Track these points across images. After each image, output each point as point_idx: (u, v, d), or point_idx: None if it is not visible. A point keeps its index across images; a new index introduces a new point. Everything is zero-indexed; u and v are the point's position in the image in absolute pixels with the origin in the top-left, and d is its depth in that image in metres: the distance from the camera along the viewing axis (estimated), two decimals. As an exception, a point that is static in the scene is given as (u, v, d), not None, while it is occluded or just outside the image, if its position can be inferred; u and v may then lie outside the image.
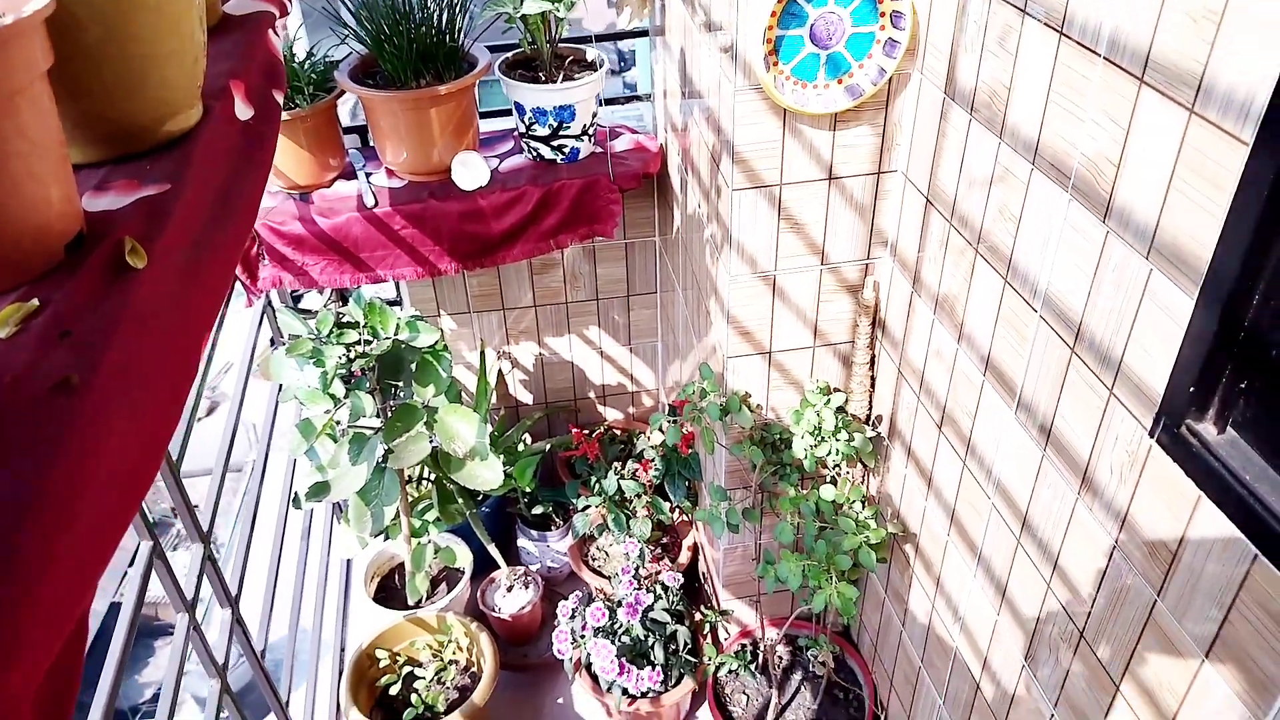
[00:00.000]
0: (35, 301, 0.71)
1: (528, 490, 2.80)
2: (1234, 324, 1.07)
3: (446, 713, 2.34)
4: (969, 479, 1.71)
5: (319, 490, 2.22)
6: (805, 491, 2.06)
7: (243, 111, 1.17)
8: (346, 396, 2.16)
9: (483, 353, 2.81)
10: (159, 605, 6.74)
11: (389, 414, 2.22)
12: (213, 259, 0.99)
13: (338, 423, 2.24)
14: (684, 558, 2.72)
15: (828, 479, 2.12)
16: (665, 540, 2.83)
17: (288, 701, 2.17)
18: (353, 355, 2.12)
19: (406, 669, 2.46)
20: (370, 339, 2.13)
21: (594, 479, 2.71)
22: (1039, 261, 1.39)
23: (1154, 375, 1.18)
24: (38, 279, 0.74)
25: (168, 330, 0.83)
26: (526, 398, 3.12)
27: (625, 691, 2.36)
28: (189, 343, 0.91)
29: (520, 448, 2.84)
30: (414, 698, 2.36)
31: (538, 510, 2.88)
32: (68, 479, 0.61)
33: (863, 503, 1.99)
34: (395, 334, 2.14)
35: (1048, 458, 1.45)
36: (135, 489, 0.74)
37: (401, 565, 2.81)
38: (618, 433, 3.06)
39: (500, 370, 3.02)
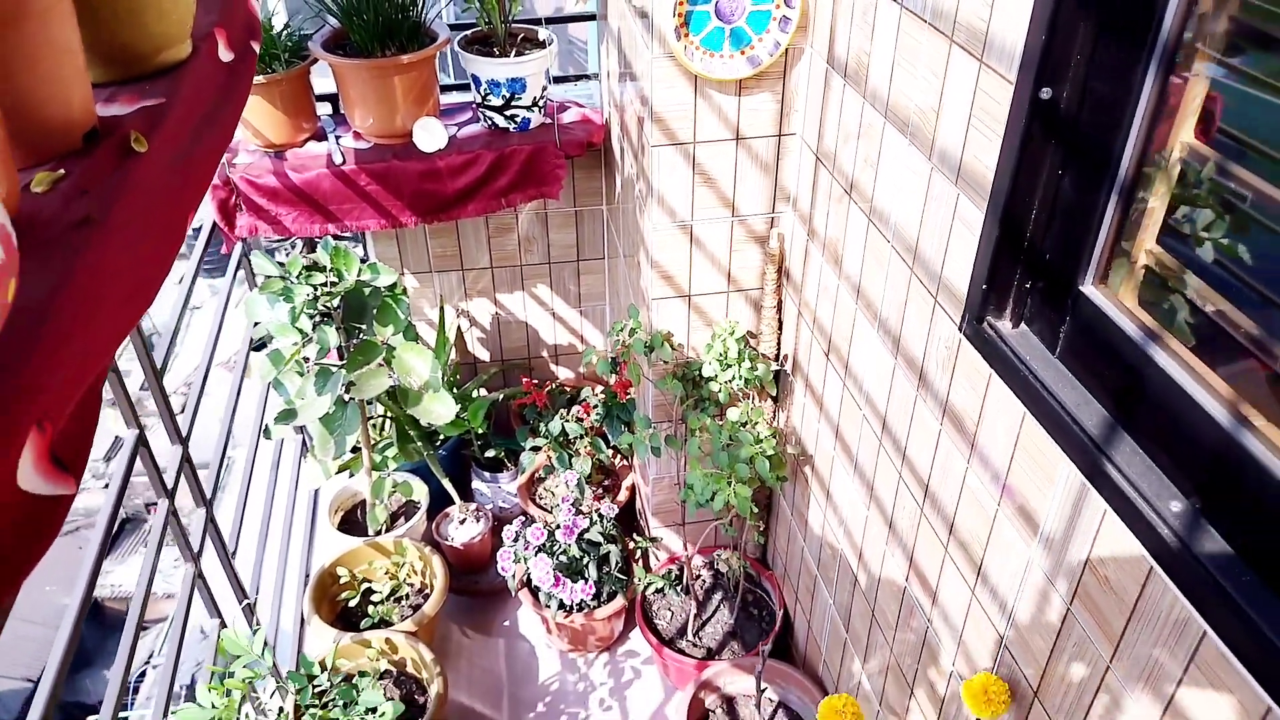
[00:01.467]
0: (61, 171, 0.98)
1: (480, 433, 3.06)
2: (1015, 235, 1.35)
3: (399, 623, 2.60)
4: (848, 397, 2.00)
5: (287, 416, 2.47)
6: (720, 421, 2.33)
7: (225, 54, 1.43)
8: (314, 331, 2.41)
9: (442, 308, 3.08)
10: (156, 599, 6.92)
11: (351, 350, 2.47)
12: (197, 158, 1.26)
13: (305, 359, 2.50)
14: (622, 497, 2.99)
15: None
16: (607, 483, 3.10)
17: (254, 604, 2.42)
18: (319, 294, 2.37)
19: (365, 586, 2.72)
20: (336, 280, 2.39)
21: (541, 424, 2.98)
22: (890, 200, 1.68)
23: (962, 282, 1.47)
24: (62, 157, 1.01)
25: (162, 200, 1.10)
26: (484, 355, 3.38)
27: (561, 605, 2.62)
28: (178, 214, 1.18)
29: (475, 395, 3.11)
30: (370, 609, 2.61)
31: (490, 454, 3.15)
32: (87, 278, 0.88)
33: (768, 429, 2.27)
34: (358, 276, 2.40)
35: (899, 365, 1.73)
36: (135, 308, 1.01)
37: (363, 501, 3.07)
38: (567, 389, 3.32)
39: (459, 327, 3.28)
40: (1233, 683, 1.00)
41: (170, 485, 1.92)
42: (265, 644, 1.78)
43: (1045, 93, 1.23)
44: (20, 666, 9.61)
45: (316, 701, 1.84)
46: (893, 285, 1.71)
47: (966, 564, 1.56)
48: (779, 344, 2.37)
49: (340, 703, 1.86)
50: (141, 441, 1.81)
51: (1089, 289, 1.30)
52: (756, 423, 2.23)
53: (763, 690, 2.35)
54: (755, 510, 2.33)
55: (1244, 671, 0.97)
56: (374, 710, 1.88)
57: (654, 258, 2.25)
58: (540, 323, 3.34)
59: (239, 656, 1.80)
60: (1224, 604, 0.99)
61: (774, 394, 2.40)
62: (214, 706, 1.73)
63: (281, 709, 1.90)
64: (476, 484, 3.18)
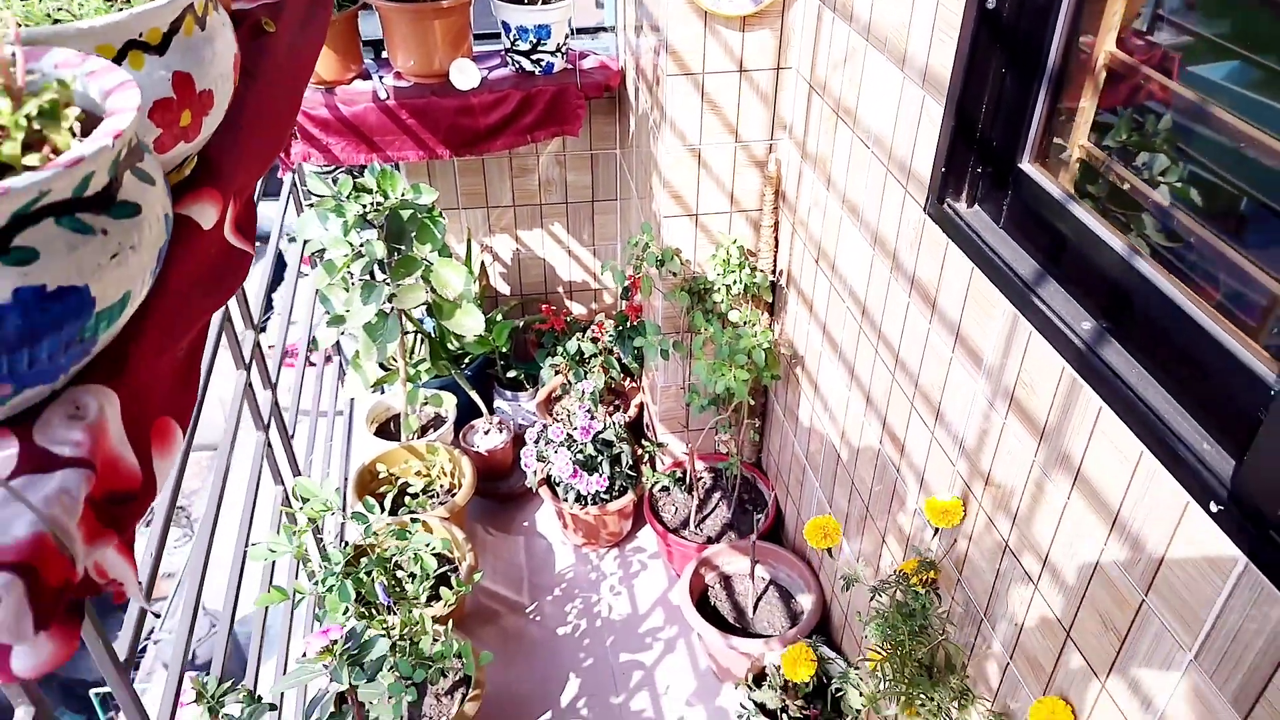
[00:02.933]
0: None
1: (504, 353, 3.36)
2: (969, 126, 1.65)
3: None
4: (834, 295, 2.30)
5: (337, 320, 2.77)
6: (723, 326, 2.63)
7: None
8: (362, 246, 2.71)
9: (469, 242, 3.38)
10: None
11: (393, 265, 2.77)
12: (306, 44, 1.57)
13: (351, 274, 2.79)
14: (632, 413, 3.29)
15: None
16: (617, 401, 3.40)
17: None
18: (367, 210, 2.67)
19: (401, 482, 3.02)
20: (383, 198, 2.68)
21: (559, 346, 3.28)
22: (871, 112, 1.97)
23: (927, 172, 1.76)
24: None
25: (287, 68, 1.40)
26: (504, 289, 3.67)
27: (578, 498, 2.93)
28: (297, 84, 1.49)
29: (499, 319, 3.41)
30: (407, 500, 2.91)
31: (512, 375, 3.45)
32: (253, 111, 1.17)
33: (764, 330, 2.56)
34: (402, 195, 2.69)
35: (875, 254, 2.03)
36: (277, 141, 1.31)
37: (396, 415, 3.37)
38: (581, 321, 3.62)
39: (483, 262, 3.58)
40: (1120, 442, 1.30)
41: (246, 361, 2.21)
42: (335, 489, 2.08)
43: (990, 2, 1.53)
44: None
45: (375, 538, 2.14)
46: (871, 185, 2.01)
47: (927, 410, 1.87)
48: (775, 260, 2.67)
49: (396, 544, 2.16)
50: (226, 317, 2.10)
51: (1027, 166, 1.61)
52: (754, 324, 2.53)
53: (755, 564, 2.65)
54: (751, 404, 2.63)
55: (1128, 431, 1.28)
56: (418, 559, 2.19)
57: (665, 178, 2.55)
58: (557, 260, 3.64)
59: (308, 501, 2.10)
60: (1116, 384, 1.29)
61: (770, 301, 2.69)
62: (289, 543, 2.03)
63: (346, 543, 2.20)
64: (499, 402, 3.48)
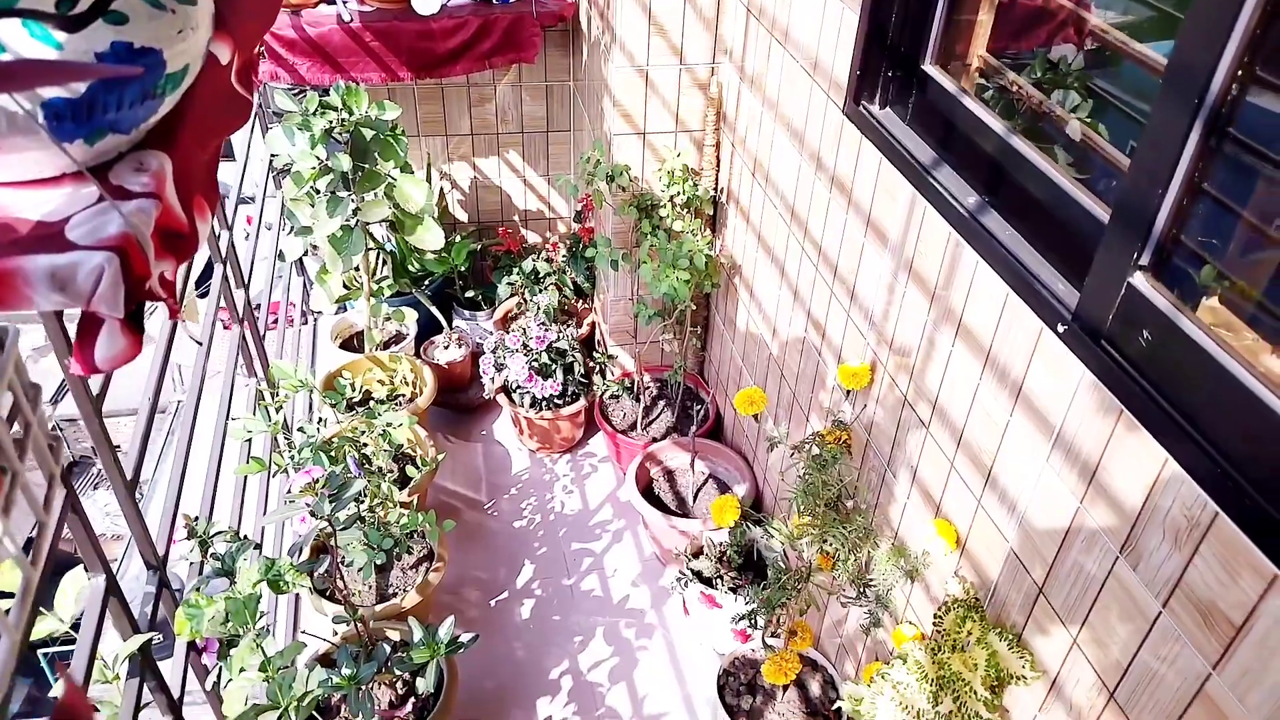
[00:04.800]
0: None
1: (463, 272, 3.54)
2: (881, 33, 1.87)
3: (395, 417, 3.08)
4: (768, 204, 2.52)
5: (304, 231, 2.93)
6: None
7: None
8: (329, 159, 2.86)
9: (429, 167, 3.53)
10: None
11: (358, 180, 2.93)
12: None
13: (317, 190, 2.95)
14: (584, 329, 3.50)
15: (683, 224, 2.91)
16: (570, 321, 3.60)
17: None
18: (333, 125, 2.82)
19: (364, 390, 3.20)
20: (348, 114, 2.84)
21: (515, 267, 3.46)
22: (800, 27, 2.18)
23: (845, 77, 1.98)
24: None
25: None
26: (462, 216, 3.84)
27: (534, 402, 3.13)
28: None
29: (457, 240, 3.58)
30: (372, 405, 3.09)
31: (470, 295, 3.63)
32: None
33: (704, 240, 2.78)
34: (365, 111, 2.85)
35: (803, 159, 2.25)
36: (269, 14, 1.48)
37: (359, 333, 3.53)
38: (536, 248, 3.81)
39: (442, 189, 3.74)
40: (991, 289, 1.54)
41: (223, 256, 2.37)
42: (308, 368, 2.26)
43: (897, -81, 1.74)
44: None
45: (343, 421, 2.32)
46: (798, 96, 2.23)
47: (844, 293, 2.10)
48: (717, 178, 2.89)
49: (364, 424, 2.35)
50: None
51: (929, 67, 1.84)
52: (696, 233, 2.75)
53: (695, 457, 2.89)
54: (694, 309, 2.85)
55: (998, 279, 1.52)
56: (386, 436, 2.38)
57: (616, 98, 2.74)
58: (513, 189, 3.81)
59: (282, 382, 2.28)
60: (990, 242, 1.53)
61: (712, 215, 2.91)
62: (265, 424, 2.21)
63: (321, 420, 2.38)
64: (458, 321, 3.66)
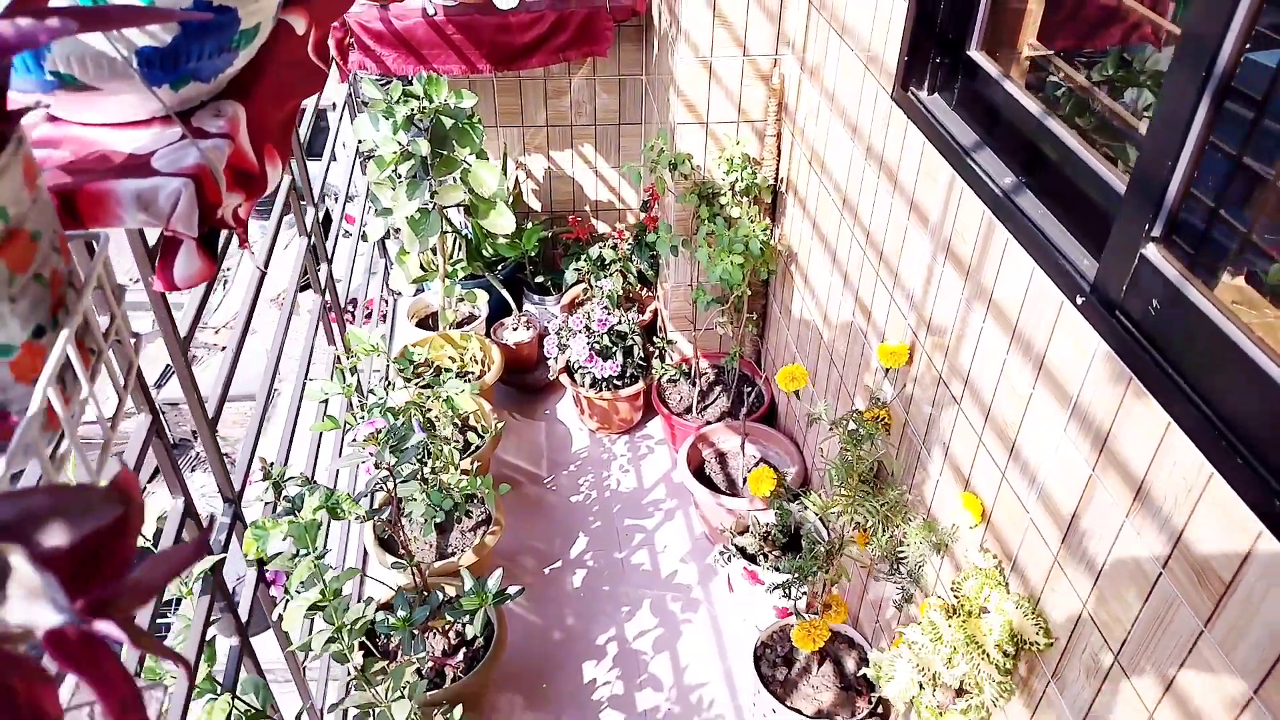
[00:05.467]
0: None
1: (533, 257, 3.69)
2: (929, 21, 1.93)
3: (463, 392, 3.24)
4: (824, 192, 2.58)
5: (385, 212, 3.11)
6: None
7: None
8: (409, 146, 3.04)
9: (505, 155, 3.69)
10: None
11: (436, 164, 3.09)
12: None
13: (398, 175, 3.13)
14: (646, 316, 3.60)
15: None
16: (633, 308, 3.71)
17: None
18: (414, 112, 3.00)
19: (435, 365, 3.36)
20: (429, 102, 3.01)
21: (583, 254, 3.59)
22: (855, 17, 2.25)
23: (895, 64, 2.04)
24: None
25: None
26: (536, 205, 3.99)
27: (594, 382, 3.25)
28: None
29: (529, 226, 3.73)
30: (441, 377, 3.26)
31: (540, 280, 3.78)
32: None
33: (762, 226, 2.85)
34: (444, 99, 3.01)
35: (855, 147, 2.31)
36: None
37: (434, 313, 3.71)
38: (605, 237, 3.93)
39: (517, 178, 3.90)
40: (1020, 263, 1.58)
41: (308, 229, 2.55)
42: (381, 337, 2.42)
43: (944, -91, 1.80)
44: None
45: (416, 379, 2.48)
46: (853, 83, 2.29)
47: (888, 275, 2.16)
48: (777, 168, 2.96)
49: (429, 394, 2.50)
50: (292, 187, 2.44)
51: (974, 53, 1.88)
52: (753, 220, 2.83)
53: (746, 440, 2.96)
54: (750, 294, 2.93)
55: (1025, 254, 1.56)
56: (449, 403, 2.52)
57: (680, 88, 2.84)
58: (585, 179, 3.94)
59: (357, 348, 2.45)
60: (1020, 219, 1.58)
61: (771, 204, 2.98)
62: (341, 386, 2.37)
63: (389, 382, 2.54)
64: (527, 305, 3.81)
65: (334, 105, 3.31)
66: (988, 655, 1.56)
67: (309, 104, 2.98)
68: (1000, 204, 1.65)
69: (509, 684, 2.62)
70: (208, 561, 1.60)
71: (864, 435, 2.00)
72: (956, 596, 1.66)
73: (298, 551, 1.86)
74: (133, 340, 0.85)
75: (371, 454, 1.95)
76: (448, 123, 3.07)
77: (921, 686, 1.70)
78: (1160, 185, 1.26)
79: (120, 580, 0.49)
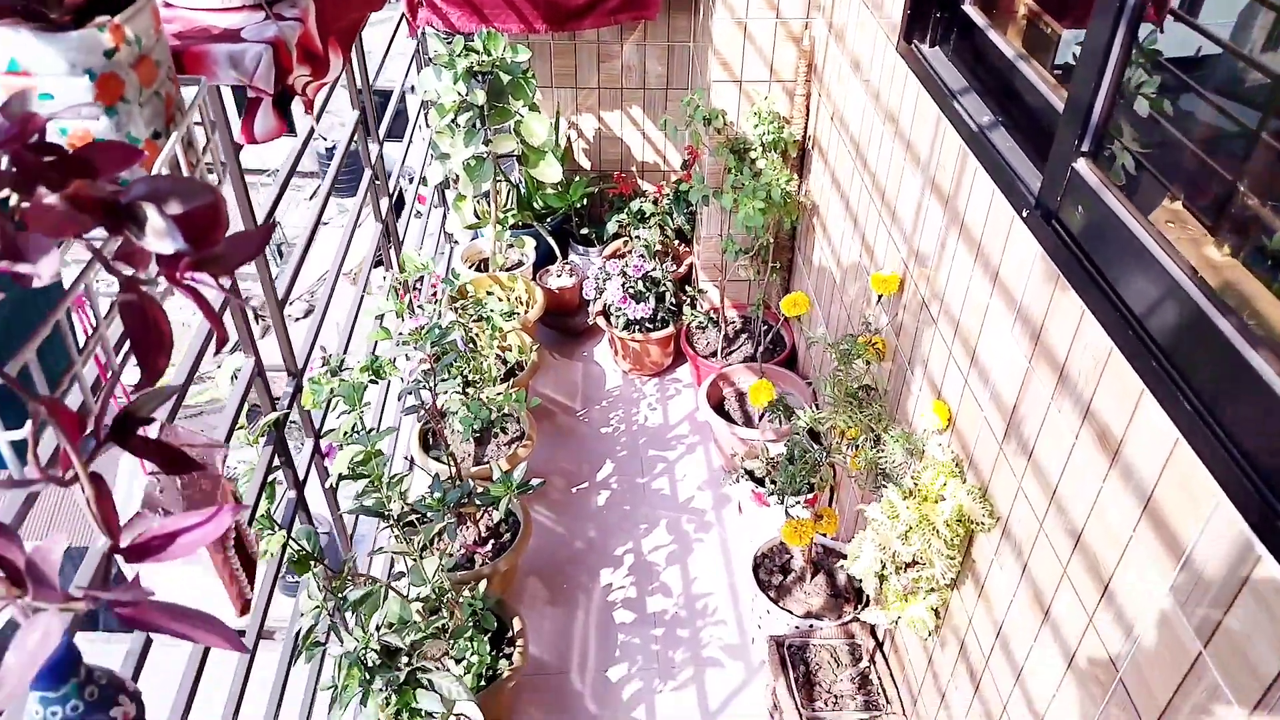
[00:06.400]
0: None
1: (579, 209, 3.95)
2: (930, -22, 2.12)
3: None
4: (842, 145, 2.78)
5: (444, 156, 3.40)
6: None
7: None
8: (468, 96, 3.31)
9: (558, 113, 3.95)
10: None
11: (491, 114, 3.36)
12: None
13: (457, 124, 3.41)
14: (682, 270, 3.83)
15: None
16: (669, 259, 3.94)
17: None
18: (474, 65, 3.27)
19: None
20: (487, 55, 3.28)
21: (625, 207, 3.84)
22: (871, -22, 2.45)
23: (900, 17, 2.23)
24: None
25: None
26: (585, 164, 4.25)
27: (627, 324, 3.50)
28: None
29: (575, 182, 3.99)
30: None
31: (585, 231, 4.04)
32: None
33: (786, 176, 3.06)
34: (502, 52, 3.28)
35: (867, 99, 2.51)
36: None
37: (487, 259, 4.00)
38: (647, 194, 4.17)
39: (569, 137, 4.16)
40: (983, 188, 1.78)
41: (372, 162, 2.84)
42: (431, 258, 2.70)
43: (944, -127, 1.99)
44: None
45: (461, 298, 2.75)
46: (867, 39, 2.48)
47: (888, 215, 2.35)
48: (805, 126, 3.16)
49: (474, 313, 2.77)
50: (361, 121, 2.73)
51: (968, 7, 2.07)
52: (778, 170, 3.03)
53: (763, 379, 3.17)
54: (774, 243, 3.14)
55: (989, 181, 1.76)
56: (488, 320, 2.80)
57: (716, 47, 3.06)
58: (633, 140, 4.18)
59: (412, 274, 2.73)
60: (990, 150, 1.77)
61: (799, 159, 3.18)
62: (395, 302, 2.65)
63: (438, 302, 2.82)
64: (572, 255, 4.07)
65: (412, 89, 3.60)
66: (938, 532, 1.76)
67: (394, 86, 3.30)
68: (973, 136, 1.84)
69: (532, 580, 2.89)
70: (272, 416, 1.89)
71: (854, 354, 2.21)
72: (916, 484, 1.86)
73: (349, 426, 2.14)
74: (222, 165, 1.12)
75: (416, 347, 2.22)
76: (505, 78, 3.34)
77: (884, 566, 1.90)
78: (1087, 106, 1.45)
79: (212, 249, 0.74)
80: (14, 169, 0.69)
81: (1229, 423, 1.13)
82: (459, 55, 3.27)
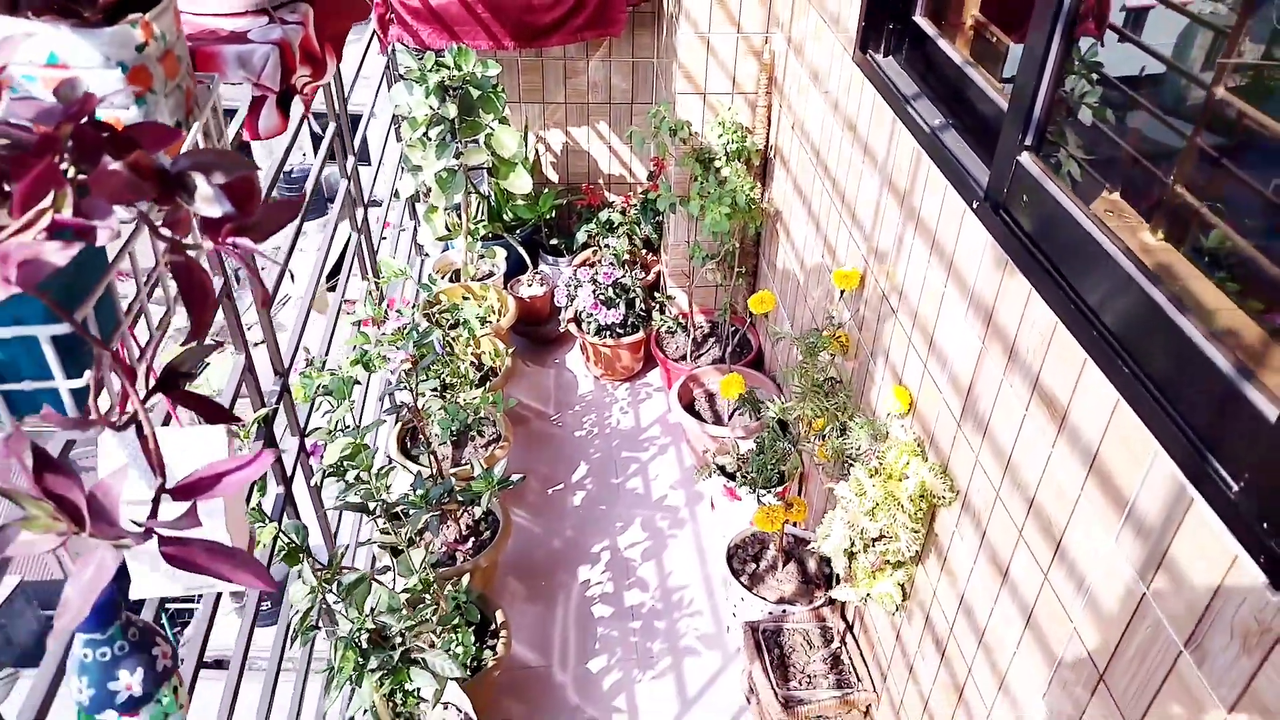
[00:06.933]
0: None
1: (549, 220, 4.04)
2: (883, -7, 2.25)
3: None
4: (803, 153, 2.90)
5: (415, 169, 3.48)
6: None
7: None
8: (439, 110, 3.40)
9: (526, 128, 4.04)
10: None
11: (462, 128, 3.45)
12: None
13: (429, 138, 3.49)
14: (650, 277, 3.94)
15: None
16: (638, 268, 4.04)
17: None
18: (445, 80, 3.36)
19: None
20: (458, 70, 3.37)
21: (594, 217, 3.94)
22: (828, -7, 2.58)
23: (855, 28, 2.37)
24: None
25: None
26: (554, 177, 4.35)
27: (598, 330, 3.59)
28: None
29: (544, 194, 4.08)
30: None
31: (554, 242, 4.13)
32: None
33: (749, 183, 3.18)
34: (473, 67, 3.37)
35: (826, 108, 2.64)
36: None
37: (458, 270, 4.07)
38: (615, 206, 4.27)
39: (537, 150, 4.26)
40: (937, 185, 1.90)
41: (349, 173, 2.92)
42: (407, 262, 2.77)
43: (893, -107, 2.13)
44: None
45: (437, 304, 2.82)
46: (825, 50, 2.62)
47: (848, 215, 2.48)
48: (767, 136, 3.29)
49: (451, 318, 2.85)
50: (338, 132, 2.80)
51: (919, 18, 2.21)
52: (741, 177, 3.15)
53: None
54: (738, 247, 3.25)
55: (943, 178, 1.88)
56: (467, 324, 2.87)
57: (680, 60, 3.18)
58: (599, 154, 4.29)
59: (390, 278, 2.80)
60: (941, 150, 1.90)
61: (761, 168, 3.31)
62: (373, 309, 2.72)
63: (414, 308, 2.89)
64: (542, 265, 4.16)
65: (374, 115, 3.68)
66: (902, 507, 1.87)
67: (361, 110, 3.38)
68: (926, 138, 1.97)
69: (511, 578, 2.95)
70: (263, 411, 1.94)
71: (820, 347, 2.32)
72: (880, 464, 1.97)
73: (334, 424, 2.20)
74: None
75: (400, 348, 2.29)
76: (474, 93, 3.43)
77: (853, 543, 2.01)
78: (1029, 103, 1.58)
79: (251, 216, 0.82)
80: (76, 143, 0.77)
81: (1163, 382, 1.25)
82: (430, 70, 3.36)
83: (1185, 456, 1.19)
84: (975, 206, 1.74)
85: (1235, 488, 1.11)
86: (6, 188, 0.70)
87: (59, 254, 0.66)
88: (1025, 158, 1.61)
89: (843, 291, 2.38)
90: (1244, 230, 1.31)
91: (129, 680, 0.95)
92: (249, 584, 0.81)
